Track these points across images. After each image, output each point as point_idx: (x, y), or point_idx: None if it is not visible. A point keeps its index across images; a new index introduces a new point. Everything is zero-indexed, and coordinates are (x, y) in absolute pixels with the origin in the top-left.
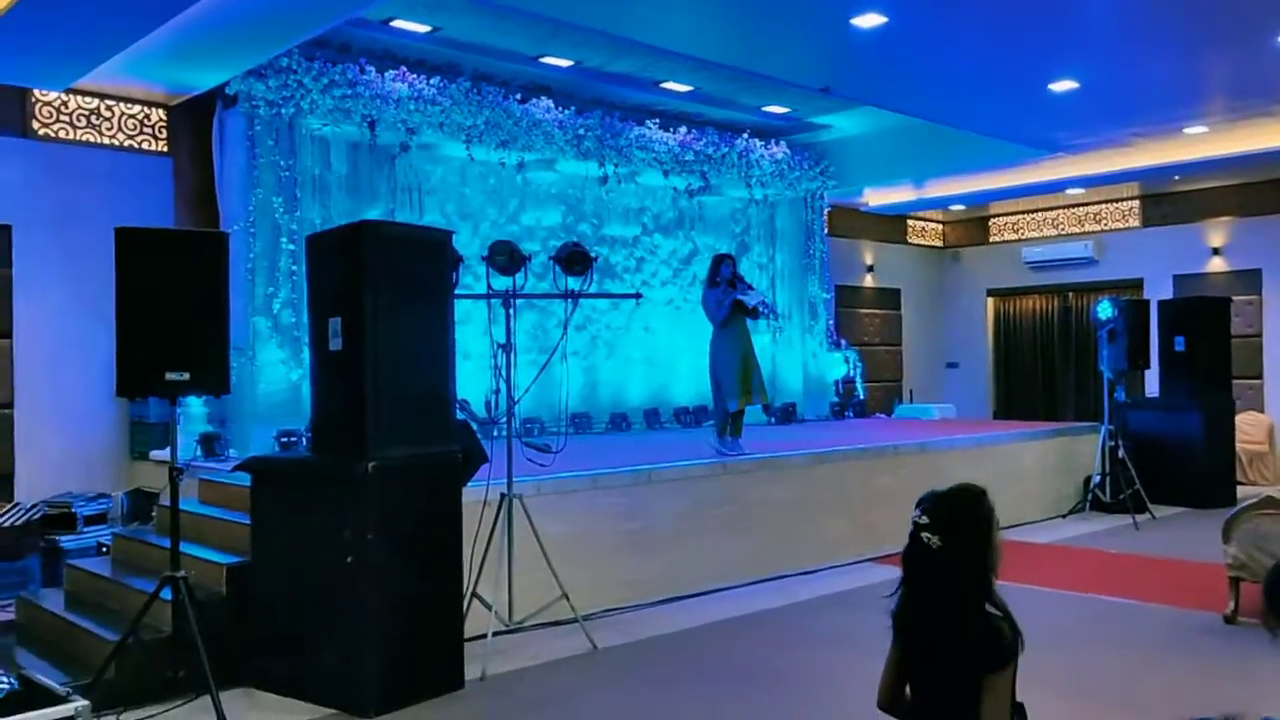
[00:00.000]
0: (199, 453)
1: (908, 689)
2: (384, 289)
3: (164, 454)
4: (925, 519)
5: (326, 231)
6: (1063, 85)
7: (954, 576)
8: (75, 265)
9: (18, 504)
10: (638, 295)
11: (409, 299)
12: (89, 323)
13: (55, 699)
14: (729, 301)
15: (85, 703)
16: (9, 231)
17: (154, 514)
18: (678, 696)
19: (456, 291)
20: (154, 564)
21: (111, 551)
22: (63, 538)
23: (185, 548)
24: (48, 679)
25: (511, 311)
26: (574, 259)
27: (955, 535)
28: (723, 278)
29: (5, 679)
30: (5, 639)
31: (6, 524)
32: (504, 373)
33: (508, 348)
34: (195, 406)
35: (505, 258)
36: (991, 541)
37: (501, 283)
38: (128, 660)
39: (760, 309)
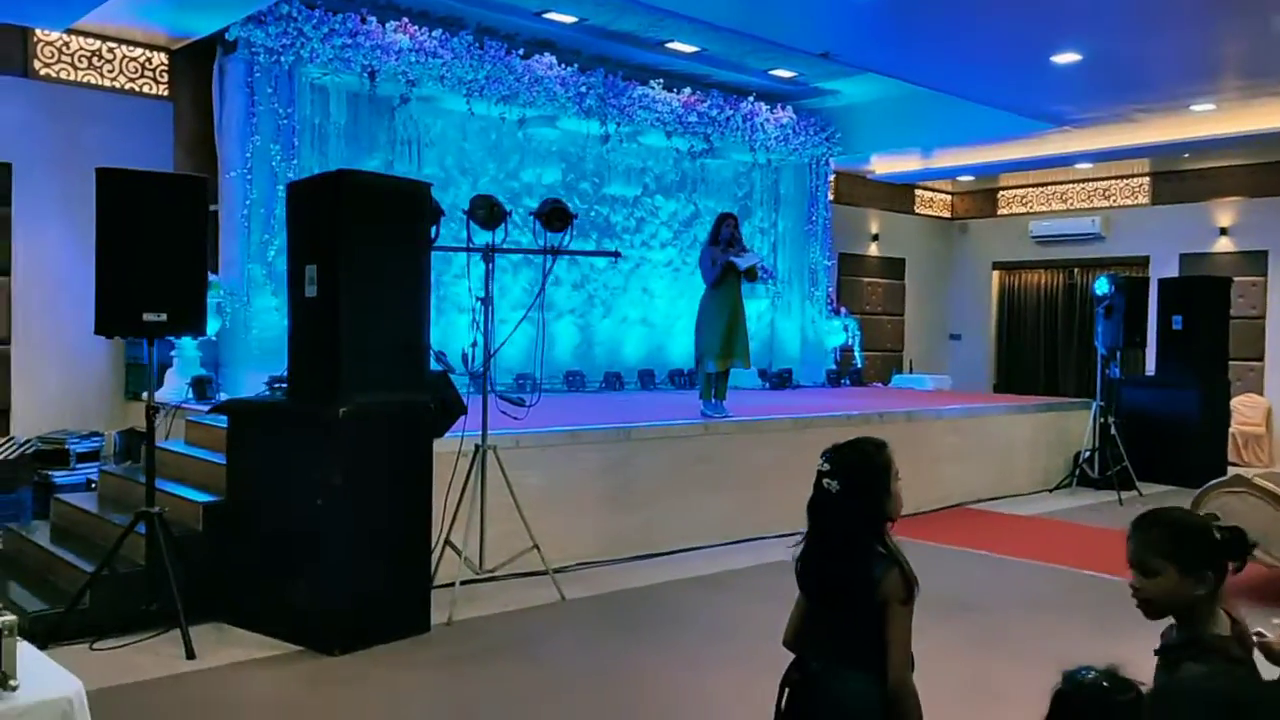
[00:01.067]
0: (190, 395)
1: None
2: (360, 238)
3: (157, 395)
4: (827, 466)
5: (306, 179)
6: (1065, 57)
7: (852, 519)
8: (74, 205)
9: (12, 438)
10: (616, 254)
11: (385, 249)
12: (86, 263)
13: None
14: (721, 262)
15: (12, 618)
16: (9, 170)
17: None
18: (635, 644)
19: (437, 244)
20: (137, 501)
21: (99, 488)
22: (55, 473)
23: (168, 486)
24: (30, 606)
25: (491, 266)
26: (554, 215)
27: (853, 480)
28: (721, 238)
29: None
30: None
31: (0, 458)
32: (481, 326)
33: (486, 301)
34: (189, 350)
35: (485, 212)
36: (889, 489)
37: (483, 238)
38: (102, 592)
39: (758, 271)
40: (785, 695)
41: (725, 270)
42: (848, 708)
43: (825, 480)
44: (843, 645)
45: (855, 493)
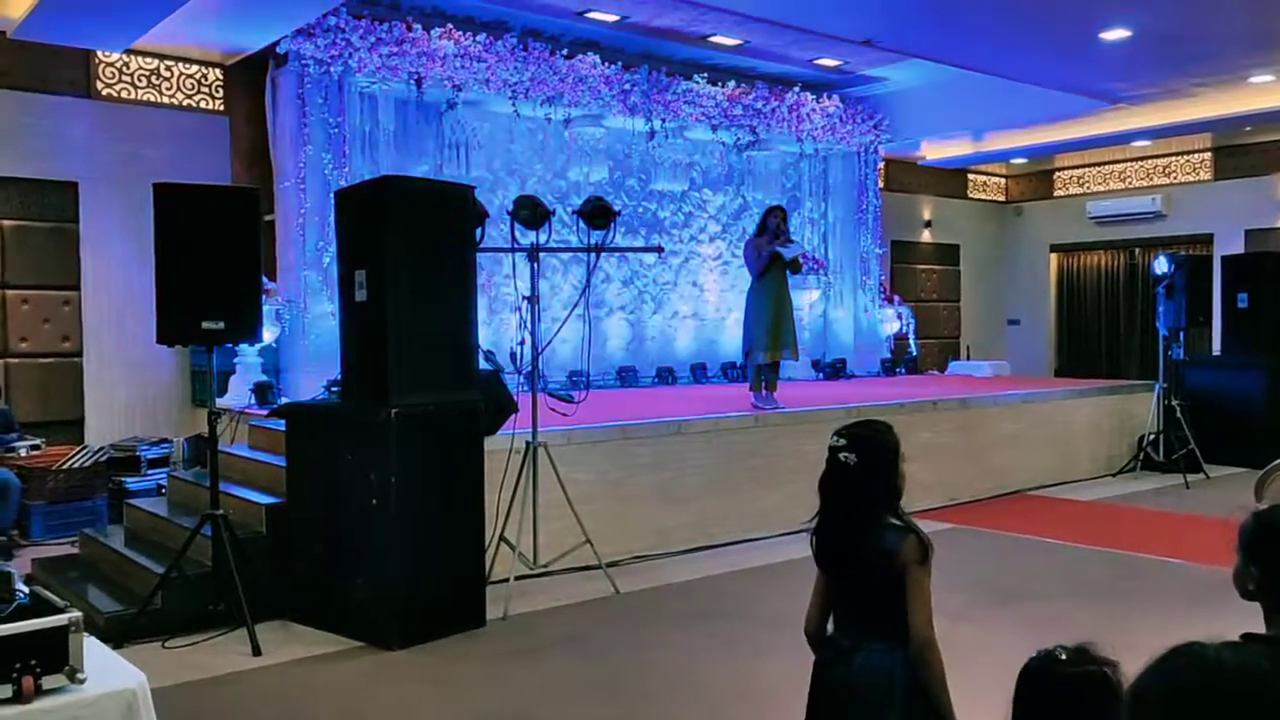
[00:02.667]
0: (253, 401)
1: (830, 619)
2: (406, 241)
3: (221, 401)
4: (842, 441)
5: (353, 187)
6: (1114, 34)
7: (868, 490)
8: (137, 220)
9: (86, 447)
10: (660, 249)
11: (431, 251)
12: (151, 276)
13: (55, 610)
14: (766, 253)
15: (78, 614)
16: (75, 188)
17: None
18: (689, 635)
19: (483, 245)
20: (205, 504)
21: (168, 493)
22: (127, 479)
23: (233, 489)
24: (105, 608)
25: (536, 265)
26: (596, 213)
27: (868, 453)
28: (768, 229)
29: (22, 594)
30: (72, 571)
31: (76, 465)
32: (528, 325)
33: (533, 300)
34: (251, 356)
35: (528, 213)
36: (899, 465)
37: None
38: (172, 592)
39: (801, 261)
40: (816, 676)
41: (770, 261)
42: (880, 681)
43: (842, 455)
44: (869, 620)
45: (872, 466)
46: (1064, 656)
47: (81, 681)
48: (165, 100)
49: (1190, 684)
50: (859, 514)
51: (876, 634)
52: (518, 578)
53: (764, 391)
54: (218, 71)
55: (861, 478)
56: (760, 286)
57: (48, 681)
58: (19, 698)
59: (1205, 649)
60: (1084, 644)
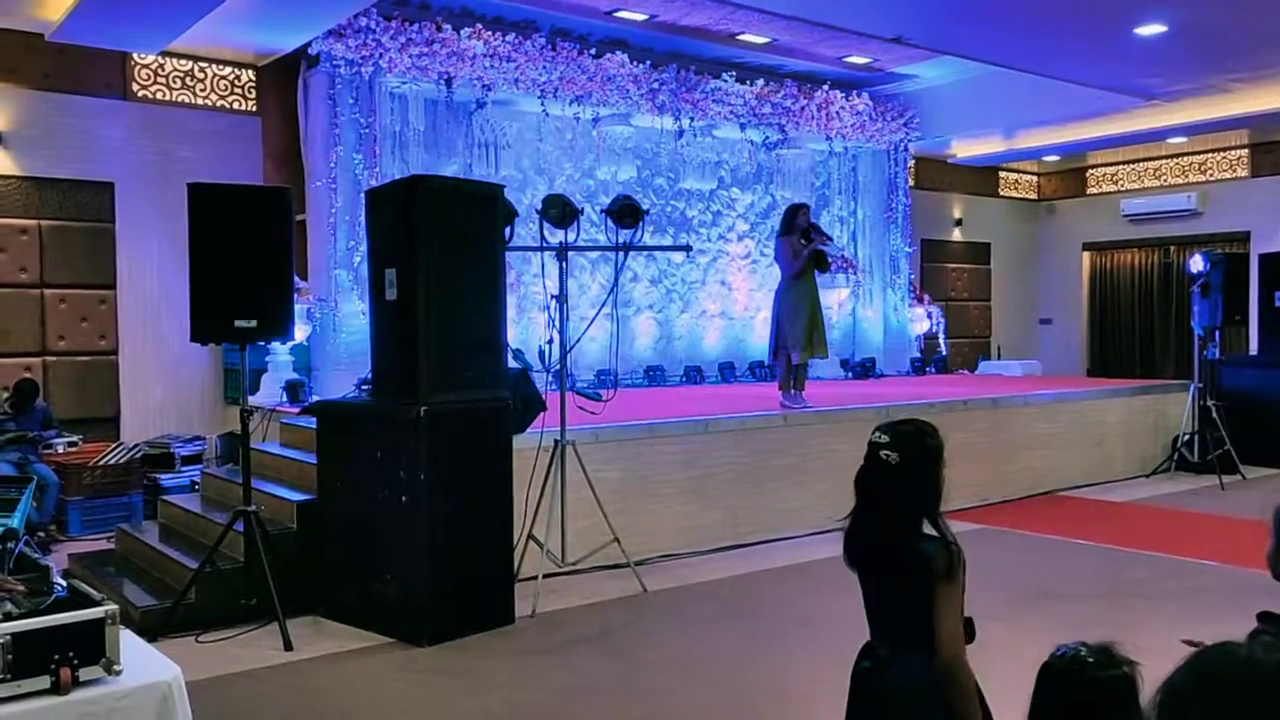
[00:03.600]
0: (285, 399)
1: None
2: (435, 241)
3: (252, 399)
4: (885, 438)
5: (382, 186)
6: (1149, 29)
7: (908, 492)
8: (172, 220)
9: (121, 444)
10: (687, 248)
11: (460, 250)
12: (186, 275)
13: (92, 603)
14: (807, 252)
15: (114, 607)
16: (111, 188)
17: None
18: (717, 634)
19: (512, 244)
20: (237, 501)
21: (201, 489)
22: (162, 476)
23: (265, 486)
24: (141, 602)
25: (564, 264)
26: (624, 212)
27: (911, 453)
28: (798, 227)
29: (61, 586)
30: (108, 566)
31: (111, 462)
32: (557, 324)
33: (561, 298)
34: (283, 355)
35: (557, 211)
36: (941, 470)
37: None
38: (206, 587)
39: (829, 260)
40: (854, 685)
41: (809, 260)
42: (920, 692)
43: (883, 452)
44: (904, 629)
45: (913, 467)
46: (1090, 658)
47: (118, 674)
48: (199, 101)
49: (1223, 683)
50: (894, 516)
51: (913, 641)
52: (546, 575)
53: (793, 390)
54: (250, 73)
55: (901, 478)
56: (796, 285)
57: (85, 673)
58: (57, 689)
59: (1237, 648)
60: (1106, 644)
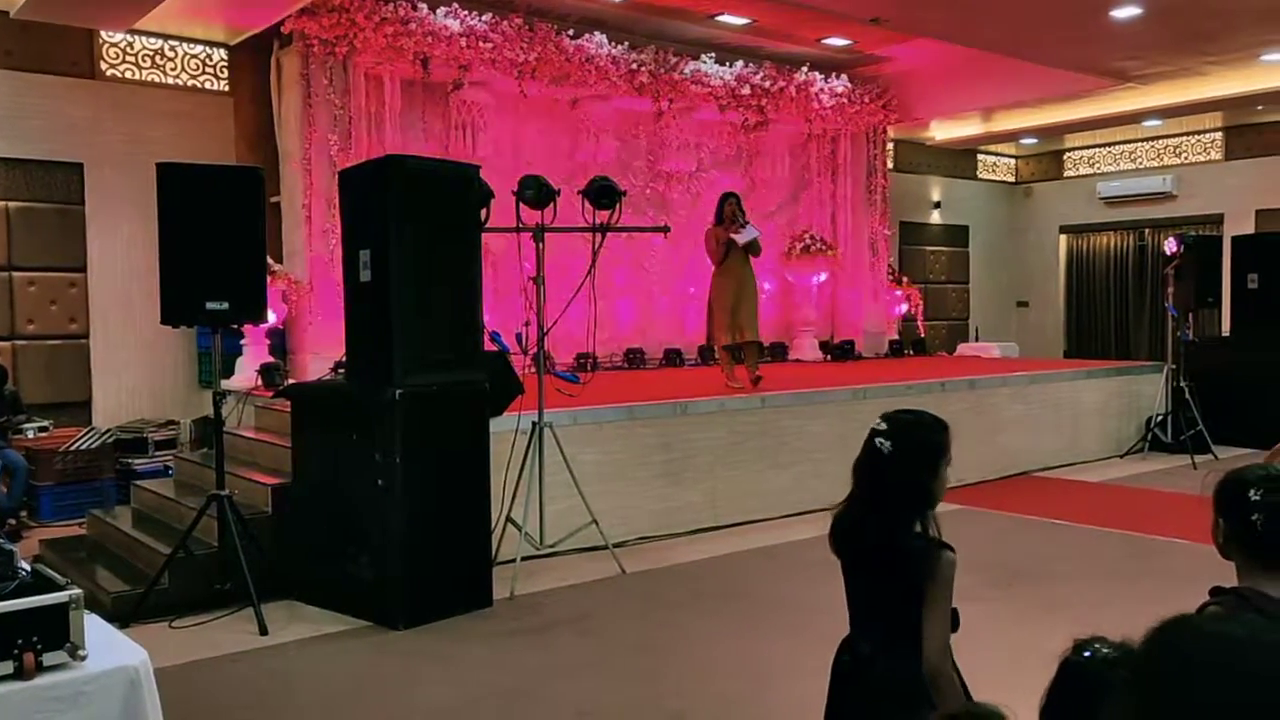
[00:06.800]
0: (259, 382)
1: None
2: (410, 222)
3: (226, 383)
4: (883, 425)
5: (356, 166)
6: (1125, 11)
7: (898, 485)
8: (142, 201)
9: (93, 429)
10: (666, 229)
11: (436, 232)
12: (157, 257)
13: (56, 587)
14: (722, 241)
15: (79, 591)
16: (80, 169)
17: None
18: (694, 616)
19: (488, 225)
20: (211, 485)
21: (174, 474)
22: (135, 461)
23: (239, 470)
24: (113, 587)
25: (541, 246)
26: (601, 193)
27: (908, 445)
28: (725, 216)
29: (25, 571)
30: (80, 552)
31: (83, 447)
32: (534, 306)
33: (538, 280)
34: (258, 338)
35: (534, 192)
36: (940, 469)
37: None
38: (179, 572)
39: (759, 245)
40: (836, 682)
41: (727, 248)
42: (898, 691)
43: (878, 439)
44: (888, 626)
45: (907, 459)
46: (1104, 652)
47: (83, 658)
48: (169, 81)
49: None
50: (884, 510)
51: (898, 640)
52: (524, 558)
53: (732, 372)
54: (222, 52)
55: (893, 470)
56: (720, 273)
57: (49, 658)
58: (20, 674)
59: (1201, 621)
60: (1127, 642)
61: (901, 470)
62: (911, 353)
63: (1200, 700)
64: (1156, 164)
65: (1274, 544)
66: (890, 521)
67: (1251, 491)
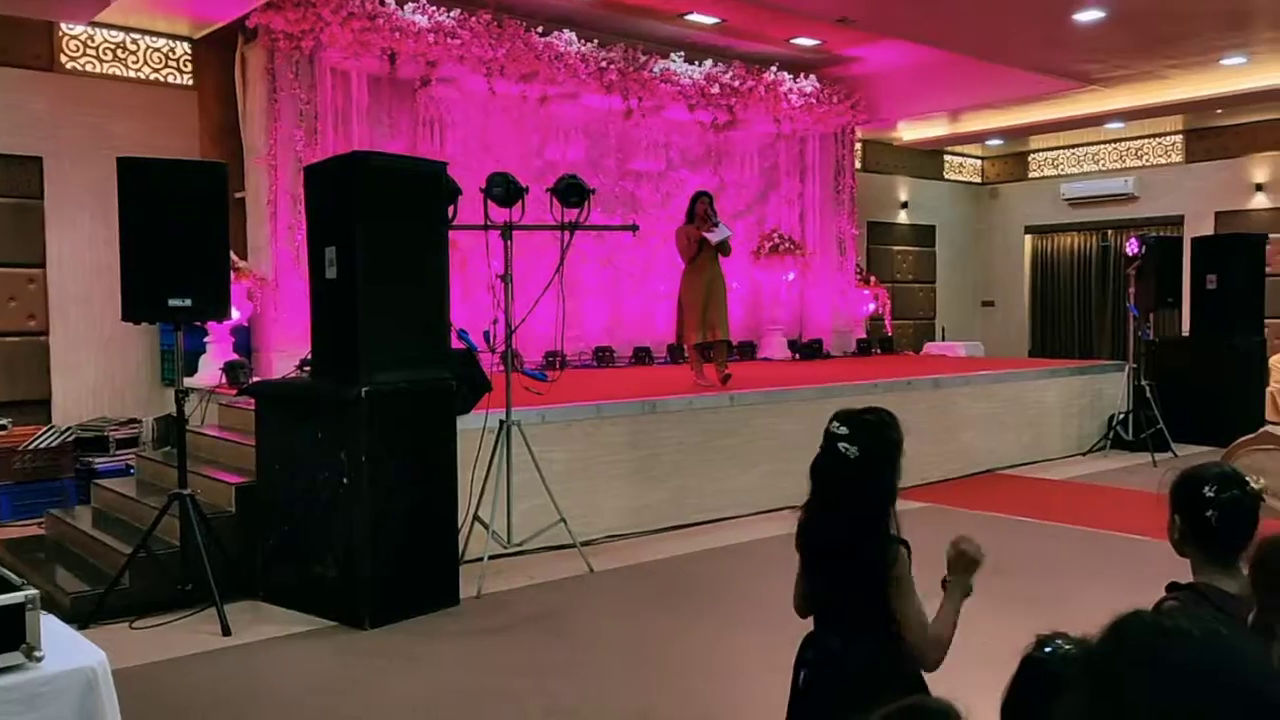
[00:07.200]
0: (224, 380)
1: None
2: (377, 218)
3: (189, 381)
4: (843, 429)
5: (322, 162)
6: (1088, 15)
7: (867, 488)
8: (104, 197)
9: (53, 427)
10: (634, 228)
11: (403, 229)
12: (118, 253)
13: (11, 587)
14: (694, 240)
15: (35, 592)
16: (39, 163)
17: None
18: (663, 614)
19: (455, 223)
20: (173, 484)
21: (136, 473)
22: (96, 460)
23: (203, 469)
24: (72, 588)
25: (509, 244)
26: (569, 191)
27: (873, 448)
28: (696, 215)
29: None
30: (38, 552)
31: (43, 446)
32: (502, 304)
33: (506, 279)
34: (222, 336)
35: (502, 190)
36: (899, 464)
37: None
38: (141, 572)
39: (730, 245)
40: (802, 675)
41: (699, 247)
42: (872, 675)
43: (842, 445)
44: (857, 619)
45: (872, 461)
46: (1065, 648)
47: (39, 659)
48: (131, 74)
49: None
50: (853, 514)
51: (865, 629)
52: (492, 557)
53: (701, 371)
54: (185, 46)
55: (860, 474)
56: (690, 271)
57: (3, 659)
58: None
59: (1159, 619)
60: (1088, 638)
61: (868, 472)
62: (879, 352)
63: (1153, 697)
64: (1119, 166)
65: (1228, 540)
66: (858, 522)
67: (1206, 489)
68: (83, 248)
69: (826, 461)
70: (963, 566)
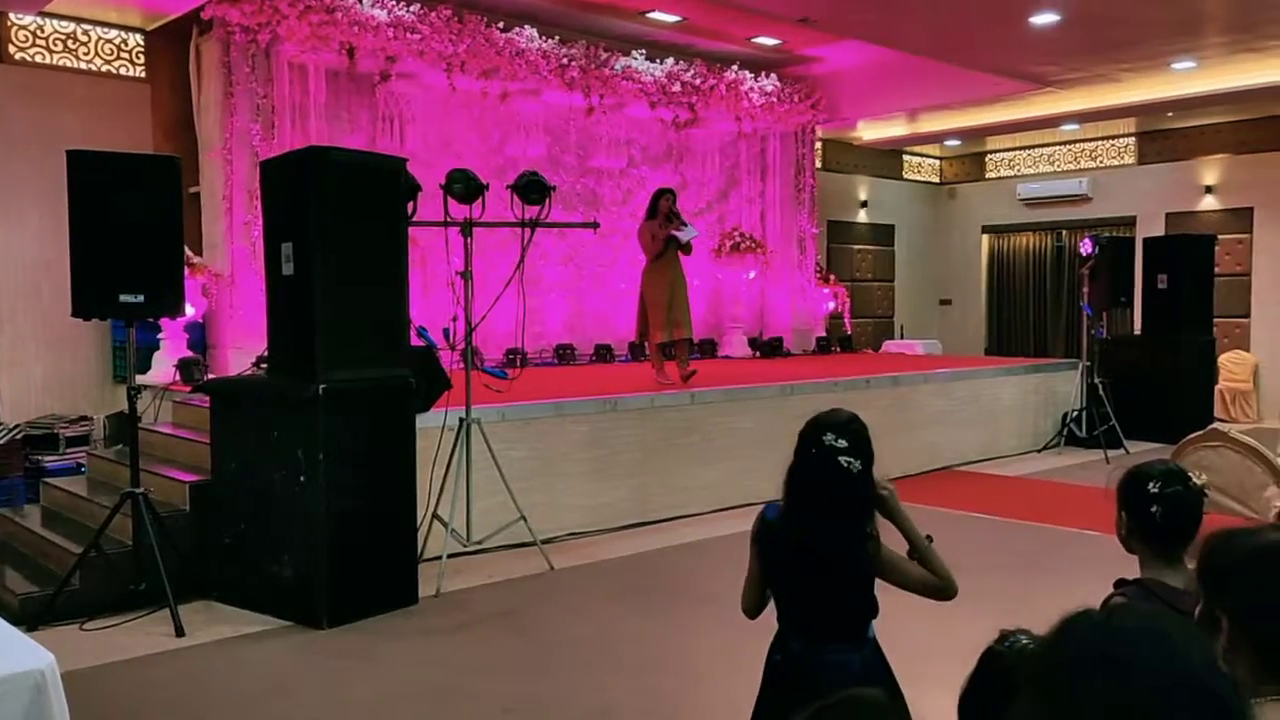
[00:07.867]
0: (178, 377)
1: (772, 598)
2: (334, 214)
3: (142, 378)
4: (843, 443)
5: (279, 157)
6: (1044, 18)
7: (868, 501)
8: (54, 190)
9: (1, 425)
10: (595, 225)
11: (361, 225)
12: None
13: None
14: (662, 237)
15: None
16: None
17: None
18: (623, 612)
19: (414, 220)
20: (126, 483)
21: (87, 471)
22: (45, 458)
23: (156, 467)
24: (20, 589)
25: (469, 241)
26: (529, 188)
27: (869, 460)
28: (660, 212)
29: None
30: None
31: None
32: (462, 301)
33: (466, 275)
34: (176, 332)
35: (462, 186)
36: None
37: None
38: (91, 573)
39: (691, 245)
40: (770, 678)
41: (666, 244)
42: (836, 684)
43: (844, 459)
44: (826, 621)
45: (869, 471)
46: (1025, 642)
47: None
48: (83, 66)
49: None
50: (848, 520)
51: (834, 635)
52: (451, 555)
53: (663, 369)
54: (138, 37)
55: (863, 484)
56: (654, 268)
57: None
58: None
59: (1106, 618)
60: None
61: (868, 484)
62: (838, 350)
63: (1103, 697)
64: (1073, 167)
65: (1173, 535)
66: (854, 530)
67: (1151, 485)
68: (31, 242)
69: (825, 474)
70: (893, 505)
